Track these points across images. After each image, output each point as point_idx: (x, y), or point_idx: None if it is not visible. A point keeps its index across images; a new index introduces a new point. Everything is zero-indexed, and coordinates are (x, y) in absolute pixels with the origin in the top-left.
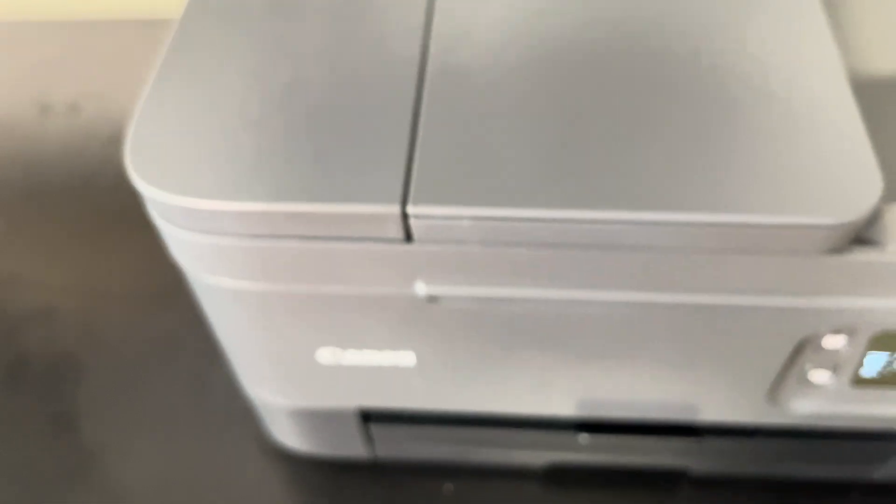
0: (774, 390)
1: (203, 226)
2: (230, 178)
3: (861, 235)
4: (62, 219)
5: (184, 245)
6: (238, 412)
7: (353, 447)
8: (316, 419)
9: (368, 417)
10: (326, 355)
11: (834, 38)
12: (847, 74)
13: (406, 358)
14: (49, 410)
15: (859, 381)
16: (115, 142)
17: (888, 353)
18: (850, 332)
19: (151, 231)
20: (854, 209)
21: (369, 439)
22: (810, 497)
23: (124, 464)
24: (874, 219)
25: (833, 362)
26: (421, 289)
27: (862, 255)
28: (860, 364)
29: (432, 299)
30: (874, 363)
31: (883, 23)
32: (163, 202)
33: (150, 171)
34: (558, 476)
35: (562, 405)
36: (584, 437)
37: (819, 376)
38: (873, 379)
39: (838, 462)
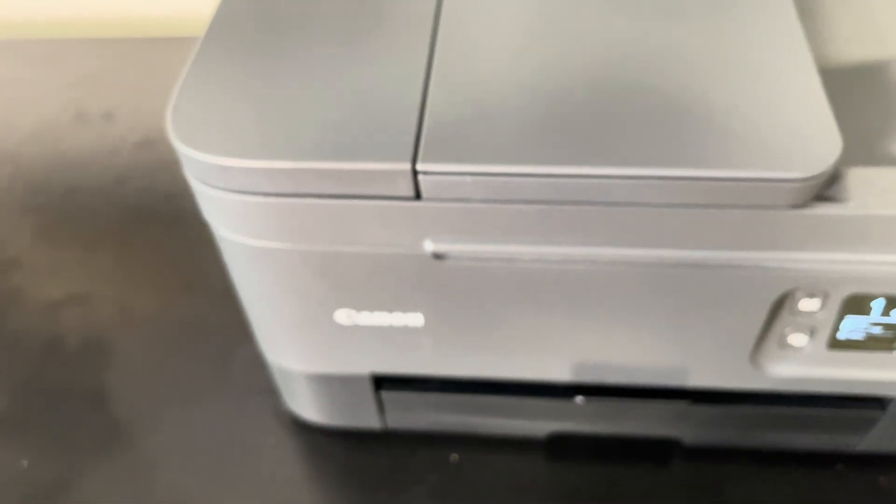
0: (756, 354)
1: (231, 184)
2: (256, 139)
3: (825, 194)
4: (97, 214)
5: (214, 204)
6: (259, 388)
7: (366, 417)
8: (332, 388)
9: (380, 385)
10: (342, 317)
11: (801, 25)
12: (811, 53)
13: (415, 319)
14: (83, 386)
15: (836, 345)
16: (144, 147)
17: (861, 316)
18: (823, 294)
19: (178, 227)
20: (816, 165)
21: (381, 409)
22: (797, 469)
23: (153, 435)
24: (837, 179)
25: (810, 326)
26: (429, 246)
27: (825, 210)
28: (836, 328)
29: (438, 256)
30: (849, 327)
31: (850, 17)
32: (197, 160)
33: (188, 135)
34: (558, 447)
35: (559, 370)
36: (580, 400)
37: (797, 340)
38: (849, 342)
39: (822, 431)
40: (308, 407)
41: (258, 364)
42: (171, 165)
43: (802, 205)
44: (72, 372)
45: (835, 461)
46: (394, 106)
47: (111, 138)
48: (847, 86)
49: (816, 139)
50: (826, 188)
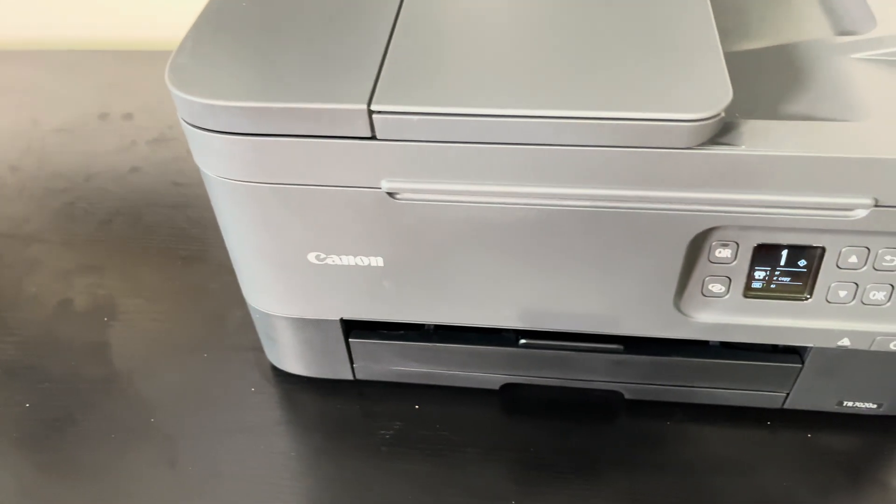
0: (680, 301)
1: (213, 124)
2: (236, 85)
3: (721, 140)
4: (111, 197)
5: (201, 143)
6: (247, 346)
7: (338, 368)
8: (306, 334)
9: (350, 333)
10: (313, 258)
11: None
12: (715, 25)
13: (376, 261)
14: (87, 341)
15: (751, 293)
16: (158, 142)
17: (772, 266)
18: (735, 243)
19: (184, 210)
20: (707, 109)
21: (351, 359)
22: (731, 426)
23: (148, 383)
24: (733, 128)
25: (726, 274)
26: (384, 185)
27: (719, 150)
28: (750, 277)
29: (393, 195)
30: (762, 276)
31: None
32: (187, 101)
33: (180, 83)
34: (512, 399)
35: (505, 315)
36: (523, 343)
37: (716, 288)
38: (763, 291)
39: (748, 384)
40: (286, 357)
41: (248, 325)
42: (181, 159)
43: (699, 146)
44: (78, 329)
45: (766, 418)
46: (359, 56)
47: (129, 135)
48: (753, 62)
49: (710, 89)
50: (723, 135)
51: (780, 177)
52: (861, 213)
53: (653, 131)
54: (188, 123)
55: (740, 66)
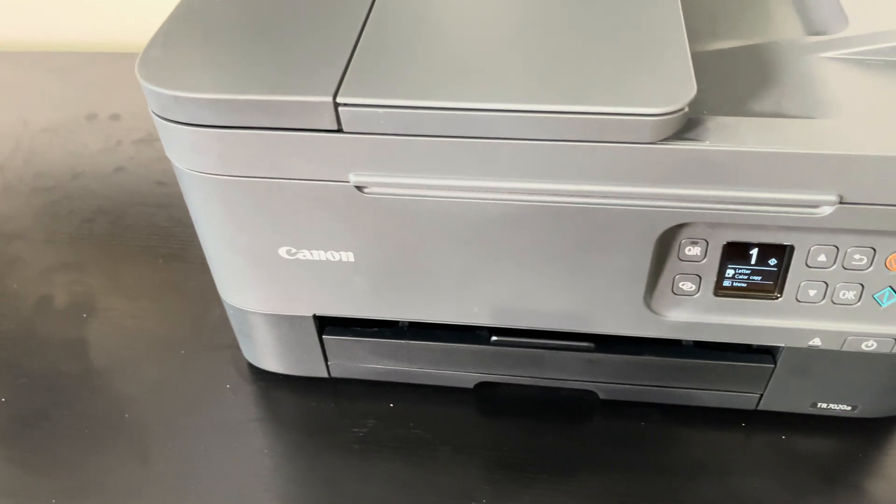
0: (651, 300)
1: (182, 116)
2: (204, 78)
3: (686, 135)
4: (95, 196)
5: (171, 136)
6: (224, 344)
7: (313, 365)
8: (281, 331)
9: (323, 328)
10: (284, 253)
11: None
12: (684, 25)
13: (347, 256)
14: (65, 338)
15: (722, 292)
16: (143, 143)
17: (742, 265)
18: (704, 241)
19: (167, 209)
20: (670, 104)
21: (325, 356)
22: (706, 428)
23: (125, 379)
24: (698, 124)
25: (697, 273)
26: (352, 178)
27: (683, 146)
28: (721, 275)
29: (361, 188)
30: (732, 274)
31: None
32: (155, 93)
33: (149, 75)
34: (487, 399)
35: (476, 313)
36: (495, 340)
37: (687, 286)
38: (733, 289)
39: (722, 384)
40: (262, 355)
41: (226, 324)
42: (166, 160)
43: (663, 141)
44: (57, 326)
45: (741, 420)
46: (329, 50)
47: (116, 136)
48: (724, 61)
49: (674, 84)
50: (688, 131)
51: (744, 173)
52: (827, 210)
53: (616, 126)
54: (158, 116)
55: (711, 65)
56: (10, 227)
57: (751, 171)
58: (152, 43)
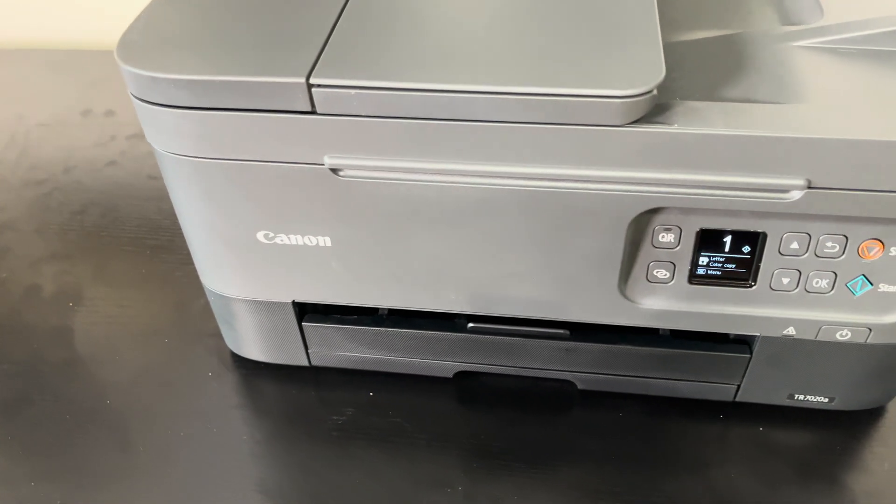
0: (626, 287)
1: (160, 97)
2: (182, 60)
3: (656, 119)
4: (88, 189)
5: (150, 118)
6: (208, 333)
7: (293, 353)
8: (261, 317)
9: (303, 315)
10: (262, 237)
11: None
12: (656, 8)
13: (324, 241)
14: (51, 326)
15: (696, 280)
16: (137, 138)
17: (715, 252)
18: (678, 228)
19: (157, 202)
20: (637, 86)
21: (305, 344)
22: (685, 419)
23: (108, 366)
24: (668, 108)
25: (671, 260)
26: (327, 161)
27: (652, 128)
28: (695, 263)
29: (336, 170)
30: (705, 262)
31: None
32: (133, 74)
33: (128, 57)
34: (466, 390)
35: (453, 299)
36: (471, 327)
37: (662, 274)
38: (707, 277)
39: (699, 375)
40: (243, 342)
41: (211, 314)
42: None
43: (632, 124)
44: (44, 314)
45: (718, 411)
46: (306, 33)
47: (109, 131)
48: (699, 50)
49: (643, 67)
50: (658, 115)
51: (712, 156)
52: (796, 195)
53: (585, 107)
54: (136, 97)
55: (687, 54)
56: (1, 217)
57: (719, 154)
58: (132, 27)
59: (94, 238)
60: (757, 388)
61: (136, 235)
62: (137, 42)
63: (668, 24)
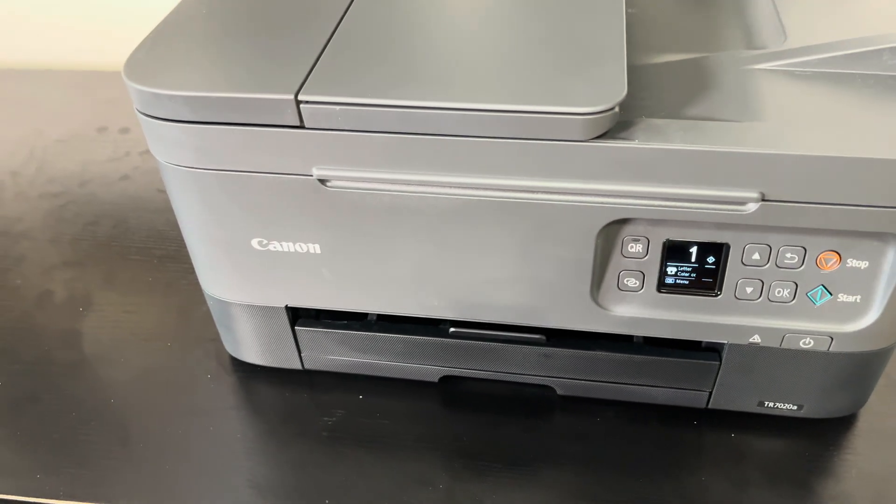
0: (598, 295)
1: (162, 112)
2: (182, 77)
3: (618, 135)
4: (101, 201)
5: (153, 131)
6: (208, 337)
7: (287, 357)
8: (255, 321)
9: (296, 320)
10: (256, 244)
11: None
12: (624, 30)
13: (314, 248)
14: (60, 329)
15: (664, 288)
16: (149, 153)
17: (682, 262)
18: (645, 239)
19: (166, 214)
20: (599, 104)
21: (298, 347)
22: (660, 426)
23: (113, 368)
24: (630, 125)
25: (640, 269)
26: (315, 172)
27: (614, 144)
28: (662, 272)
29: (324, 182)
30: (673, 272)
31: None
32: (138, 90)
33: (134, 75)
34: (451, 395)
35: (436, 305)
36: (452, 332)
37: (632, 282)
38: (676, 286)
39: (671, 381)
40: (240, 346)
41: (211, 320)
42: None
43: (595, 140)
44: (54, 318)
45: (692, 418)
46: (299, 52)
47: (124, 147)
48: (666, 73)
49: (606, 85)
50: (621, 131)
51: (672, 170)
52: (752, 207)
53: (551, 123)
54: (141, 112)
55: (655, 75)
56: (18, 227)
57: (678, 168)
58: (139, 48)
59: (105, 247)
60: (728, 395)
61: (144, 245)
62: (143, 61)
63: (640, 47)
